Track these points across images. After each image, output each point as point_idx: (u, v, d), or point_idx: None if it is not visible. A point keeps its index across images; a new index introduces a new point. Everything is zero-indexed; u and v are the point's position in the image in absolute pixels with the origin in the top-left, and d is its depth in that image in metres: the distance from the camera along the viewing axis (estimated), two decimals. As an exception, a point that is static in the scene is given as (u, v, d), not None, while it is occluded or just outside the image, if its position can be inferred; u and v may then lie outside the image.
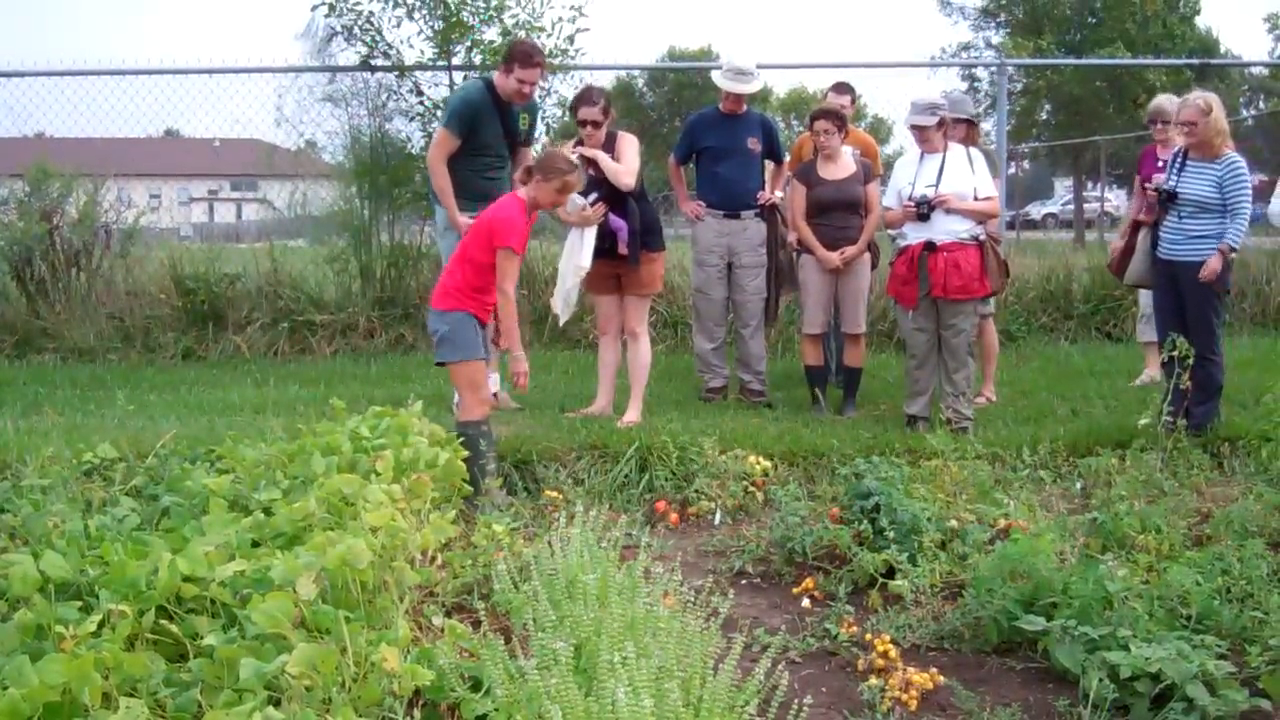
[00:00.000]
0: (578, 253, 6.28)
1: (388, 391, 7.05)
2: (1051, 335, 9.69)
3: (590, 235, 6.28)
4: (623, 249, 6.40)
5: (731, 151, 7.09)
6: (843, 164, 6.89)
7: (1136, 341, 8.04)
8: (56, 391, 7.65)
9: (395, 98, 9.66)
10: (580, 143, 6.50)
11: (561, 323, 7.41)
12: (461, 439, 4.99)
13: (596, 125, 6.43)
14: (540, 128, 9.37)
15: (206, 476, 4.24)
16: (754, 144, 7.12)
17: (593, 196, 6.28)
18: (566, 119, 10.09)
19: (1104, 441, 5.87)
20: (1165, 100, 7.28)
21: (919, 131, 6.41)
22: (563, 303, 6.44)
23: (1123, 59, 25.01)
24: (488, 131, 6.57)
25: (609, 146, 6.48)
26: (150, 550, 3.18)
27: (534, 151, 7.32)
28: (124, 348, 9.26)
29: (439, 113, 7.47)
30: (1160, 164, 7.00)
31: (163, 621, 2.95)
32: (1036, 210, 36.21)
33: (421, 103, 9.51)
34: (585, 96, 6.53)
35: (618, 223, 6.36)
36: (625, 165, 6.39)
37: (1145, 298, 7.47)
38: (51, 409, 6.56)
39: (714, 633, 3.13)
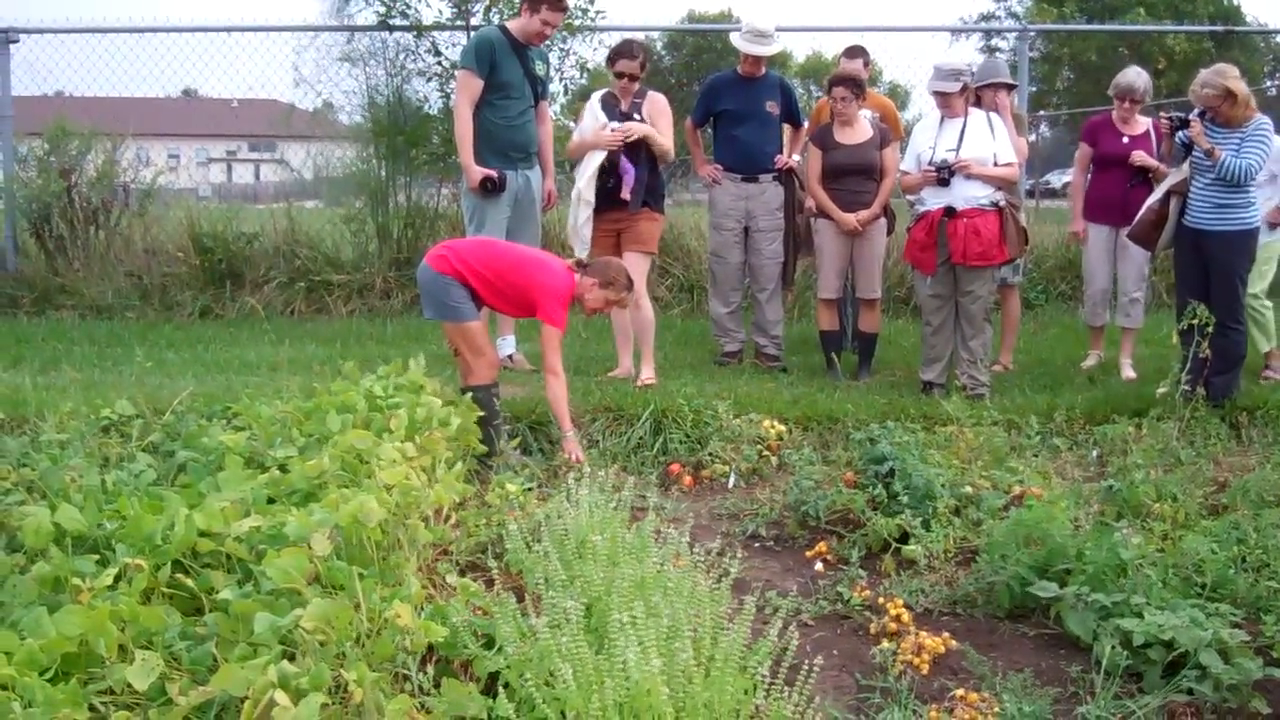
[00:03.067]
0: (581, 183, 6.42)
1: (403, 352, 7.02)
2: (1070, 304, 9.64)
3: (594, 164, 6.36)
4: (625, 193, 6.42)
5: (750, 114, 7.03)
6: (859, 129, 6.84)
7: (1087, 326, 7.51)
8: (75, 348, 7.68)
9: (413, 58, 9.63)
10: (617, 99, 6.56)
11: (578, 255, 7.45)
12: (476, 401, 4.99)
13: (633, 78, 6.51)
14: (558, 87, 9.33)
15: (223, 433, 4.26)
16: (772, 107, 7.06)
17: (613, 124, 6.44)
18: (585, 82, 10.05)
19: (1121, 410, 5.85)
20: (1135, 75, 6.91)
21: (942, 97, 6.34)
22: (575, 237, 6.50)
23: (1144, 24, 24.76)
24: (509, 71, 6.48)
25: (639, 101, 6.60)
26: (167, 505, 3.20)
27: (552, 113, 7.30)
28: (142, 305, 9.30)
29: (456, 72, 7.43)
30: (1125, 140, 6.85)
31: (178, 576, 2.96)
32: (1056, 179, 35.84)
33: (439, 63, 9.48)
34: (625, 50, 6.57)
35: (627, 165, 6.41)
36: (664, 138, 6.59)
37: (1098, 279, 7.21)
38: (70, 365, 6.59)
39: (724, 593, 3.14)
